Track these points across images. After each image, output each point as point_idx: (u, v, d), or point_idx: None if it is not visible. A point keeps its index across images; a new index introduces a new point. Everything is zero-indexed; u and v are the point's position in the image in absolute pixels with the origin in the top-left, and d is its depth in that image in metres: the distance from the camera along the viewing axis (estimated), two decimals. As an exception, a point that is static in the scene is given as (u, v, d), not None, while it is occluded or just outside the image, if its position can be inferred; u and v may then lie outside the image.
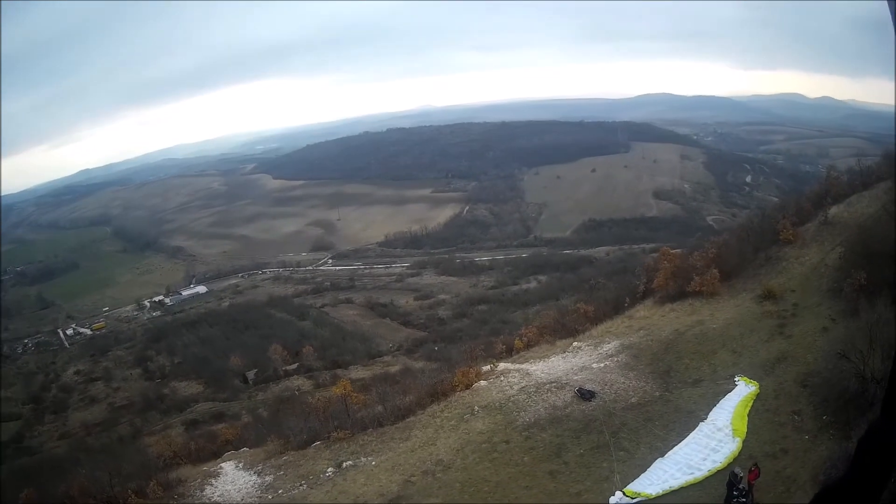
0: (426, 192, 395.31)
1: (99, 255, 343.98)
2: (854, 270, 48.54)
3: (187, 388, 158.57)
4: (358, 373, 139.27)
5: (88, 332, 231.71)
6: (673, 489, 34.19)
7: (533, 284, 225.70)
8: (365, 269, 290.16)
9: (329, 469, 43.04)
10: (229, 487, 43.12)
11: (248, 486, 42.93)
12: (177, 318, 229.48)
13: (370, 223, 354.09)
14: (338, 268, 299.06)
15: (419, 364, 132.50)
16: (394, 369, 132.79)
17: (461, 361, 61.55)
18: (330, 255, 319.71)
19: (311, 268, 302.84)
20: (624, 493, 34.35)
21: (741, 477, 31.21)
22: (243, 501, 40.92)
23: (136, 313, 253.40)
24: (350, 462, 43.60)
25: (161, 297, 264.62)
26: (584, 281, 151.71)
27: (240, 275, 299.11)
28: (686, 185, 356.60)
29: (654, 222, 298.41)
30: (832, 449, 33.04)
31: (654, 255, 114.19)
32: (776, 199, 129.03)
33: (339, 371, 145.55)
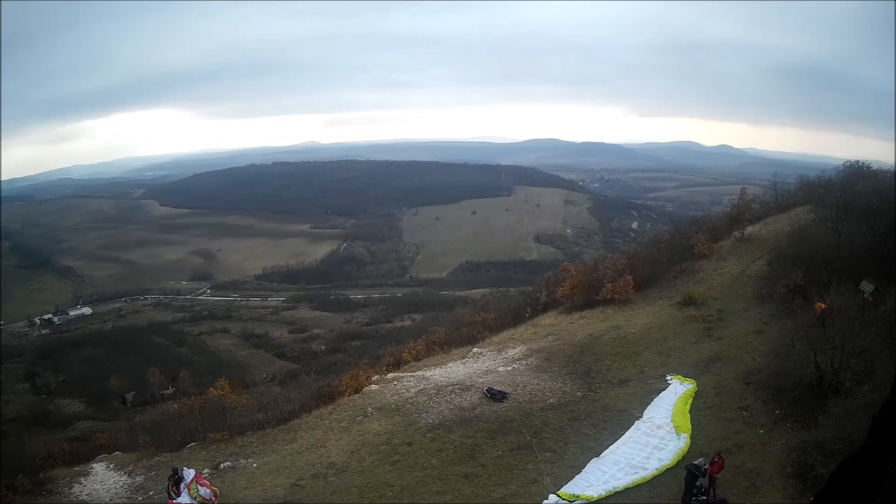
0: (306, 227, 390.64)
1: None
2: (789, 273, 48.44)
3: (70, 405, 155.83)
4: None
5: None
6: (617, 490, 29.96)
7: (407, 323, 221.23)
8: (242, 300, 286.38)
9: (205, 470, 38.07)
10: (98, 487, 39.32)
11: (118, 486, 39.17)
12: (64, 337, 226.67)
13: (250, 255, 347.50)
14: (216, 298, 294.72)
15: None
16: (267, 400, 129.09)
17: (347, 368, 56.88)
18: (209, 285, 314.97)
19: (190, 296, 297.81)
20: (560, 497, 29.75)
21: (705, 469, 27.40)
22: (112, 501, 37.29)
23: (27, 329, 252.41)
24: (228, 463, 39.19)
25: (50, 316, 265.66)
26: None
27: (123, 299, 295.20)
28: (568, 230, 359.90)
29: (534, 265, 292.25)
30: (799, 439, 30.33)
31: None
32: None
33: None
